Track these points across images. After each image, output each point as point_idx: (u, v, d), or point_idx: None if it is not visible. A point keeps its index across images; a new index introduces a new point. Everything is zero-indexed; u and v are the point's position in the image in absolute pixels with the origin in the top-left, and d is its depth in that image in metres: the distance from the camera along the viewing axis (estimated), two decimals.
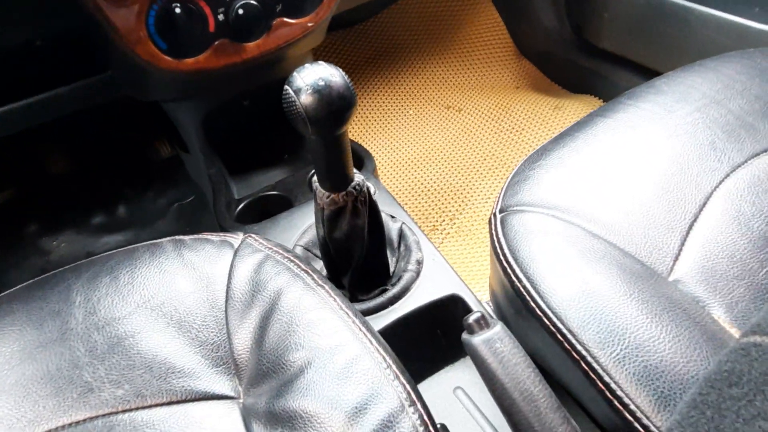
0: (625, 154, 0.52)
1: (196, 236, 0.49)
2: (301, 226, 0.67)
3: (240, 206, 0.76)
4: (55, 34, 0.58)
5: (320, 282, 0.44)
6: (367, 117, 1.30)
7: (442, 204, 1.07)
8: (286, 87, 0.39)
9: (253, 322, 0.43)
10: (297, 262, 0.46)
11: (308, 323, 0.41)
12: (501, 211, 0.50)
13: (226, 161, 0.81)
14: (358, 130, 1.27)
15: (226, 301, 0.44)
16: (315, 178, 0.49)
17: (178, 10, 0.50)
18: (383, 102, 1.33)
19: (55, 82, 0.61)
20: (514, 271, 0.45)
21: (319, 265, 0.62)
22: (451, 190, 1.10)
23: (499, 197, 0.52)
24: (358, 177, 0.50)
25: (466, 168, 1.14)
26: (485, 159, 1.15)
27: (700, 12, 0.85)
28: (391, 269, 0.63)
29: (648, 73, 1.03)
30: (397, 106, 1.32)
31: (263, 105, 0.76)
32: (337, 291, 0.44)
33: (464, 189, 1.10)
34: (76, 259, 0.49)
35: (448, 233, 1.03)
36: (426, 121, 1.28)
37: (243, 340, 0.42)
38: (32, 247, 0.99)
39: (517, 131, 1.19)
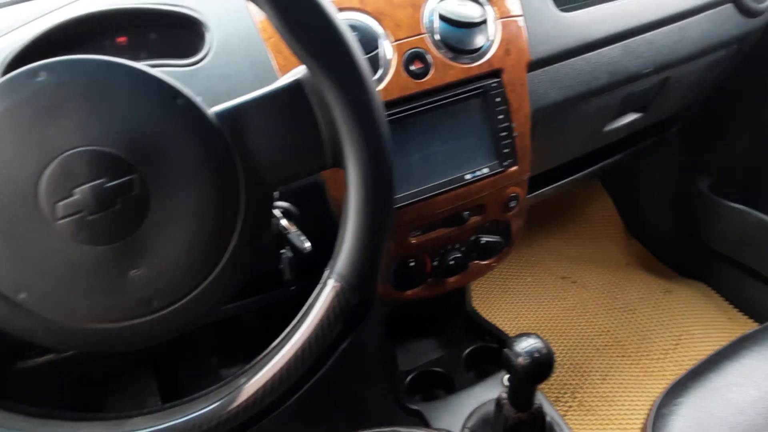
0: None
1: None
2: (467, 409, 0.83)
3: (407, 379, 0.94)
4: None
5: None
6: (487, 282, 1.48)
7: (563, 377, 1.20)
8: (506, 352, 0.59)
9: None
10: None
11: None
12: None
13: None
14: (480, 294, 1.45)
15: None
16: (503, 395, 0.67)
17: (412, 264, 0.72)
18: (503, 268, 1.52)
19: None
20: None
21: None
22: (571, 364, 1.23)
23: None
24: (538, 398, 0.66)
25: (582, 342, 1.27)
26: (600, 335, 1.28)
27: None
28: None
29: (761, 278, 1.15)
30: (515, 273, 1.50)
31: None
32: None
33: (582, 363, 1.23)
34: None
35: (570, 406, 1.14)
36: (543, 289, 1.44)
37: None
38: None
39: (629, 311, 1.32)
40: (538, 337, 0.60)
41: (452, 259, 0.74)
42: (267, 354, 0.42)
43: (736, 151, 1.13)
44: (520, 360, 0.57)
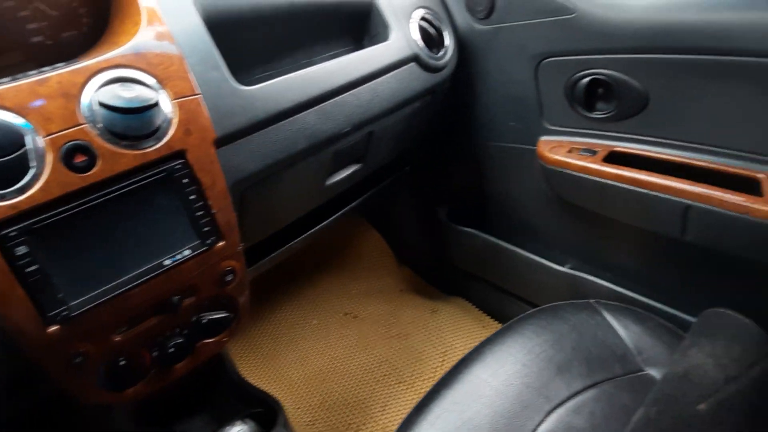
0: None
1: None
2: None
3: None
4: None
5: None
6: (274, 331, 1.47)
7: (348, 417, 1.23)
8: None
9: None
10: None
11: None
12: None
13: None
14: (265, 349, 1.42)
15: None
16: None
17: (123, 362, 0.66)
18: (288, 314, 1.52)
19: None
20: None
21: None
22: (355, 401, 1.26)
23: None
24: None
25: (365, 375, 1.32)
26: (380, 365, 1.34)
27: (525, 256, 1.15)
28: None
29: (497, 288, 1.32)
30: (302, 318, 1.51)
31: None
32: None
33: (365, 398, 1.27)
34: None
35: None
36: (329, 330, 1.47)
37: None
38: None
39: (403, 337, 1.41)
40: (246, 422, 0.59)
41: (173, 346, 0.70)
42: None
43: (461, 183, 1.27)
44: None
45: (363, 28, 0.92)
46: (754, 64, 0.69)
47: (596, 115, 0.91)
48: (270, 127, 0.74)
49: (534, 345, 0.82)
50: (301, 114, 0.77)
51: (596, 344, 0.83)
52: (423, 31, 0.95)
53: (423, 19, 0.96)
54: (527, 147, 1.03)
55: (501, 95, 1.03)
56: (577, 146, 0.95)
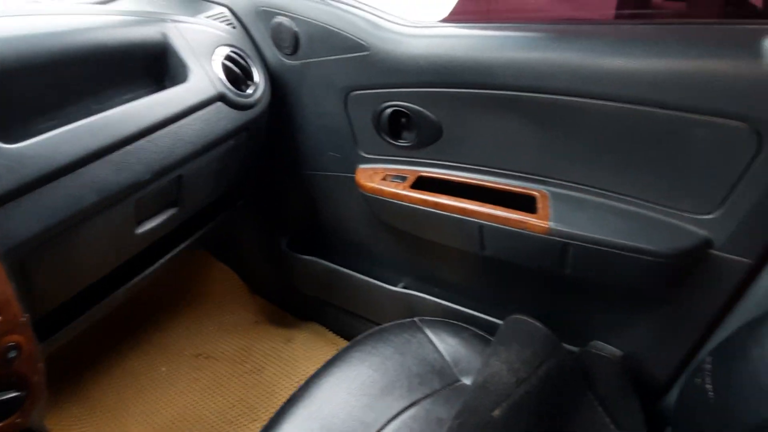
0: None
1: None
2: None
3: None
4: None
5: None
6: (118, 385, 1.36)
7: None
8: None
9: None
10: None
11: None
12: None
13: None
14: (111, 406, 1.32)
15: None
16: None
17: None
18: (133, 363, 1.42)
19: None
20: None
21: None
22: None
23: None
24: None
25: (217, 420, 1.27)
26: (233, 406, 1.30)
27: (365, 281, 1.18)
28: None
29: (342, 310, 1.34)
30: (147, 367, 1.42)
31: None
32: None
33: None
34: None
35: None
36: (179, 375, 1.39)
37: None
38: None
39: (257, 371, 1.38)
40: None
41: None
42: None
43: (297, 212, 1.28)
44: None
45: (162, 70, 0.89)
46: (514, 98, 0.77)
47: (402, 143, 0.96)
48: (46, 186, 0.68)
49: (358, 373, 0.84)
50: (88, 166, 0.73)
51: (417, 362, 0.88)
52: (228, 70, 0.95)
53: (227, 57, 0.95)
54: (348, 175, 1.06)
55: (318, 127, 1.06)
56: (391, 173, 1.00)
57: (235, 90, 0.95)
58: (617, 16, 0.73)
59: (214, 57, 0.93)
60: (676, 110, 0.66)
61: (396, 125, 0.97)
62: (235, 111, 0.95)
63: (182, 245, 1.05)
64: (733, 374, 0.59)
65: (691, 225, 0.74)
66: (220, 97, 0.92)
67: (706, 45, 0.62)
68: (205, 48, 0.92)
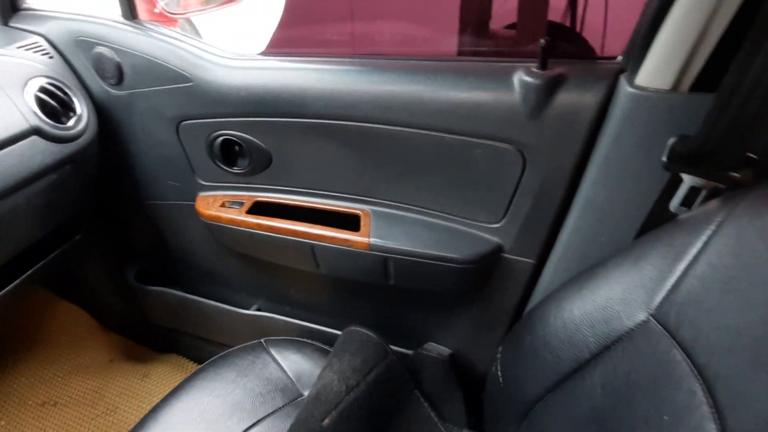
0: None
1: None
2: None
3: None
4: None
5: None
6: None
7: None
8: None
9: None
10: None
11: None
12: None
13: None
14: None
15: None
16: None
17: None
18: None
19: None
20: None
21: None
22: None
23: None
24: None
25: None
26: None
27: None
28: None
29: (198, 338, 1.32)
30: None
31: None
32: None
33: None
34: None
35: None
36: (21, 428, 1.28)
37: None
38: None
39: (112, 412, 1.31)
40: None
41: None
42: None
43: (143, 243, 1.25)
44: None
45: None
46: (328, 126, 0.84)
47: (236, 170, 0.99)
48: None
49: (197, 402, 0.85)
50: None
51: (261, 382, 0.90)
52: (43, 102, 0.91)
53: (42, 89, 0.92)
54: (189, 203, 1.06)
55: (153, 156, 1.05)
56: (229, 199, 1.02)
57: (53, 123, 0.91)
58: (411, 52, 0.81)
59: (26, 89, 0.90)
60: (461, 135, 0.76)
61: (230, 152, 0.99)
62: (54, 144, 0.91)
63: (11, 285, 0.98)
64: (512, 360, 0.69)
65: (486, 233, 0.84)
66: (35, 131, 0.88)
67: (475, 79, 0.72)
68: (15, 80, 0.89)
